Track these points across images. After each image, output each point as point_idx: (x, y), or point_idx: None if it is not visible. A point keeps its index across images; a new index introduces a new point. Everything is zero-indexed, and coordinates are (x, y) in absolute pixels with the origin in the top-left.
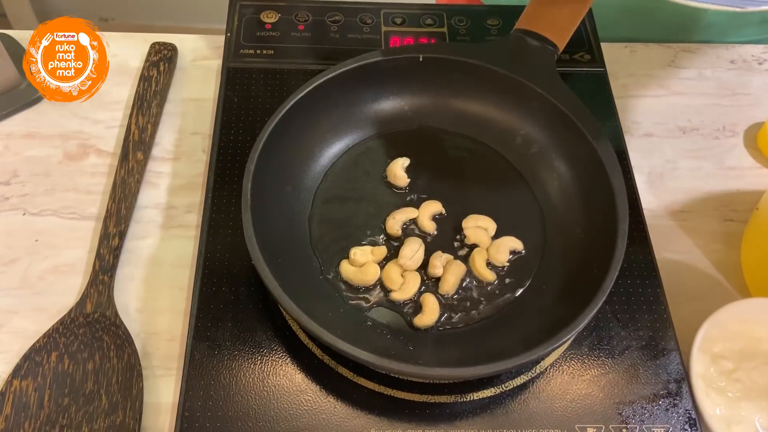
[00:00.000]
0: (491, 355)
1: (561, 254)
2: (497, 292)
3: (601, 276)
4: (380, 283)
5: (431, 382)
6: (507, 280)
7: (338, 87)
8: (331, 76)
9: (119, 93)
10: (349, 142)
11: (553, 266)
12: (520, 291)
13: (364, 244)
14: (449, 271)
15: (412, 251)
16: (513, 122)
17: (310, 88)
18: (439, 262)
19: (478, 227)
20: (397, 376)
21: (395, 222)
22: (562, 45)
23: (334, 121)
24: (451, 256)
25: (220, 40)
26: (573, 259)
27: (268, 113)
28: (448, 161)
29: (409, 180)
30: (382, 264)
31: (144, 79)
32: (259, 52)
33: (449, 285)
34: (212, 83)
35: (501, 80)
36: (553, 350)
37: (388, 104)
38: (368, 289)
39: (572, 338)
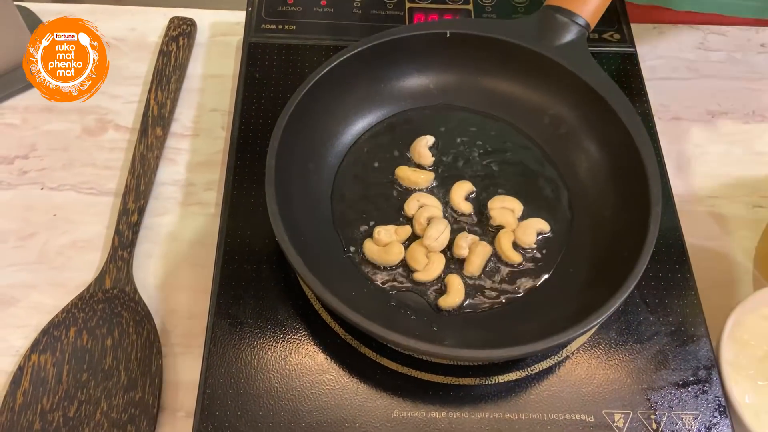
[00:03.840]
0: (518, 337)
1: (589, 237)
2: (524, 274)
3: (633, 260)
4: (405, 263)
5: (455, 363)
6: (534, 262)
7: (364, 63)
8: (357, 51)
9: (138, 68)
10: (373, 119)
11: (581, 249)
12: (548, 274)
13: (388, 224)
14: (474, 252)
15: (438, 232)
16: (541, 102)
17: (336, 63)
18: (465, 242)
19: (504, 208)
20: (421, 357)
21: (415, 203)
22: (593, 22)
23: (358, 97)
24: (477, 237)
25: (240, 15)
26: (602, 242)
27: (290, 90)
28: (473, 141)
29: (433, 158)
30: (407, 244)
31: (163, 54)
32: (280, 27)
33: (474, 266)
34: (232, 59)
35: (530, 58)
36: (582, 335)
37: (413, 81)
38: (392, 269)
39: (601, 323)
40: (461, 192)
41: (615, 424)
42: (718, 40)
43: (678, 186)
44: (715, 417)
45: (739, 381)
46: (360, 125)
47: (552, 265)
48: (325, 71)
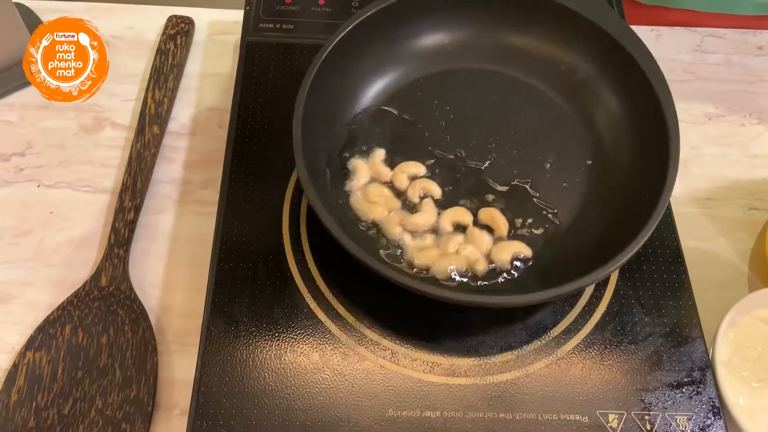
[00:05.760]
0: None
1: (609, 181)
2: (542, 225)
3: (654, 199)
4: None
5: (459, 368)
6: (552, 216)
7: (379, 24)
8: (372, 12)
9: (135, 66)
10: (388, 80)
11: (602, 194)
12: (567, 224)
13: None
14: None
15: (425, 221)
16: (557, 51)
17: (352, 26)
18: (454, 246)
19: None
20: (423, 357)
21: (403, 176)
22: None
23: (375, 60)
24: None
25: (238, 14)
26: (622, 186)
27: (287, 89)
28: (488, 98)
29: (409, 182)
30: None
31: (161, 52)
32: (278, 26)
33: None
34: (229, 58)
35: (543, 6)
36: (616, 269)
37: (428, 40)
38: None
39: (625, 262)
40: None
41: (609, 425)
42: (715, 43)
43: (674, 188)
44: (709, 418)
45: (733, 382)
46: (377, 87)
47: (572, 214)
48: (342, 35)
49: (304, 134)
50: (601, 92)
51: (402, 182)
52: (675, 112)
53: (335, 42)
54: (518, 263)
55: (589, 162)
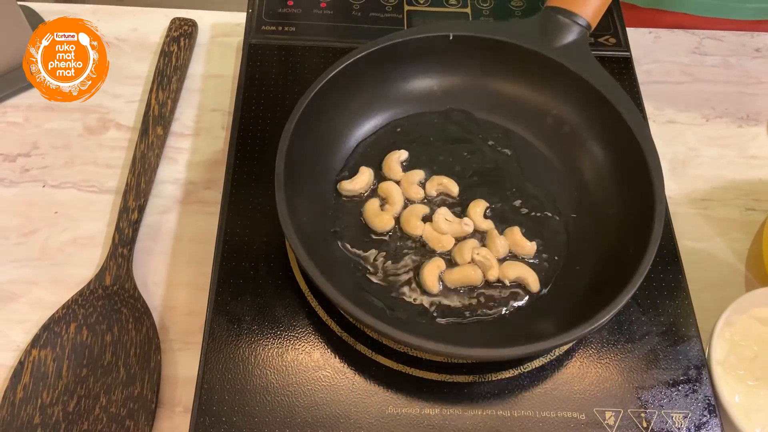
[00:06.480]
0: (528, 336)
1: (594, 235)
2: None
3: (638, 256)
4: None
5: (451, 361)
6: (539, 264)
7: (369, 65)
8: (362, 54)
9: (139, 68)
10: (378, 122)
11: (586, 247)
12: (553, 276)
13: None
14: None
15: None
16: (544, 102)
17: (342, 66)
18: (468, 254)
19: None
20: (422, 355)
21: (416, 188)
22: (594, 23)
23: (364, 100)
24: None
25: (241, 16)
26: (606, 240)
27: (289, 90)
28: (473, 145)
29: (403, 174)
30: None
31: (164, 54)
32: (280, 28)
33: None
34: (232, 60)
35: (532, 59)
36: (592, 331)
37: (417, 84)
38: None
39: (608, 321)
40: (479, 209)
41: (606, 422)
42: (713, 45)
43: (671, 188)
44: (705, 416)
45: (729, 381)
46: (365, 128)
47: (557, 267)
48: (332, 75)
49: (286, 172)
50: (588, 146)
51: (415, 192)
52: (661, 170)
53: (325, 80)
54: (518, 290)
55: (574, 215)
